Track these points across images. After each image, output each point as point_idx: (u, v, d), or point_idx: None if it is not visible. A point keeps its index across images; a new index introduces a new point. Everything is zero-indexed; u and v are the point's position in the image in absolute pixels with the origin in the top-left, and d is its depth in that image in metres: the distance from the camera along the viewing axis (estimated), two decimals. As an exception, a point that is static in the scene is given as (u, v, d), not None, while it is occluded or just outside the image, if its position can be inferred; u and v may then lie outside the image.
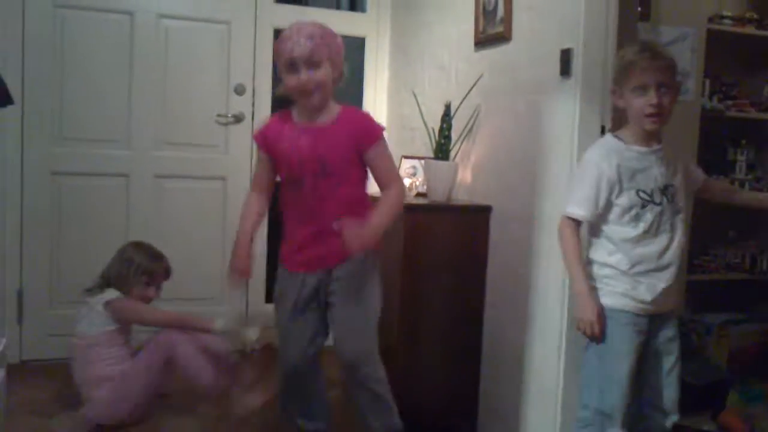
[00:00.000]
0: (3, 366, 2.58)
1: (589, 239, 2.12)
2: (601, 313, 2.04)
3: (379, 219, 2.09)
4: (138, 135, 3.49)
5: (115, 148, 3.47)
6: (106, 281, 2.89)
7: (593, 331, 2.03)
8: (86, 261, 3.42)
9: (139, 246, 2.99)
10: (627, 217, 2.04)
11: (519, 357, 2.60)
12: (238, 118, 3.64)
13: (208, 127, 3.60)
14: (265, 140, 2.24)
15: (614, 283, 2.06)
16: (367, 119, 2.21)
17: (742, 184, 3.66)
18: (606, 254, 2.08)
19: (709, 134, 3.44)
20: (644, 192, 2.04)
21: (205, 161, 3.62)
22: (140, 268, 2.91)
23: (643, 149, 2.07)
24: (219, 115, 3.61)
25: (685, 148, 3.43)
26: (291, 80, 2.08)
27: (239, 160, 3.67)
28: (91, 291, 2.87)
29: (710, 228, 3.54)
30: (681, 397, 2.26)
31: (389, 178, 2.19)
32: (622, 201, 2.04)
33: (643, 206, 2.04)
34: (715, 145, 3.66)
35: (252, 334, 2.81)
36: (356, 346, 2.21)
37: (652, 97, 1.99)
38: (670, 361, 2.14)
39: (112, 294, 2.83)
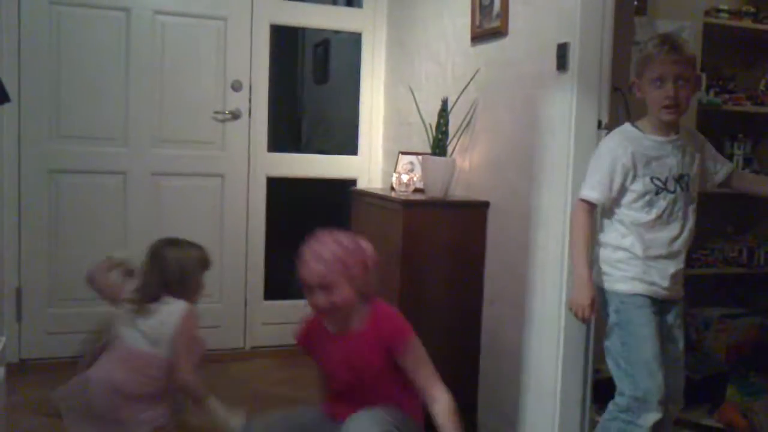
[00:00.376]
0: (2, 364, 2.57)
1: (601, 221, 2.16)
2: (595, 301, 2.08)
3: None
4: (135, 132, 3.48)
5: (113, 146, 3.46)
6: (160, 289, 2.47)
7: (584, 315, 2.07)
8: (84, 259, 3.41)
9: (174, 243, 2.61)
10: (640, 203, 2.08)
11: (518, 352, 2.61)
12: (235, 115, 3.63)
13: (205, 124, 3.60)
14: (304, 346, 2.14)
15: (626, 267, 2.10)
16: (395, 319, 2.03)
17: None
18: (619, 237, 2.11)
19: (706, 128, 3.42)
20: (658, 179, 2.08)
21: (202, 158, 3.61)
22: (201, 262, 2.59)
23: (660, 138, 2.10)
24: (216, 112, 3.60)
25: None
26: (309, 300, 1.97)
27: (237, 157, 3.67)
28: (142, 304, 2.46)
29: (708, 222, 3.54)
30: None
31: (432, 385, 1.99)
32: (637, 187, 2.08)
33: (657, 193, 2.08)
34: (712, 139, 3.65)
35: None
36: None
37: (669, 90, 2.02)
38: (676, 348, 2.17)
39: (180, 304, 2.45)
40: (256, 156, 3.72)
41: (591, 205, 2.12)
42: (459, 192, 2.97)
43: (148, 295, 2.46)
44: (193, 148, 3.60)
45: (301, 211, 4.10)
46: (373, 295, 2.02)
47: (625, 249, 2.10)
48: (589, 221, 2.12)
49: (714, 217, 3.52)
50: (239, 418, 2.37)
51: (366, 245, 2.04)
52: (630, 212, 2.10)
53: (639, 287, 2.08)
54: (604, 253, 2.15)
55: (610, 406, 2.13)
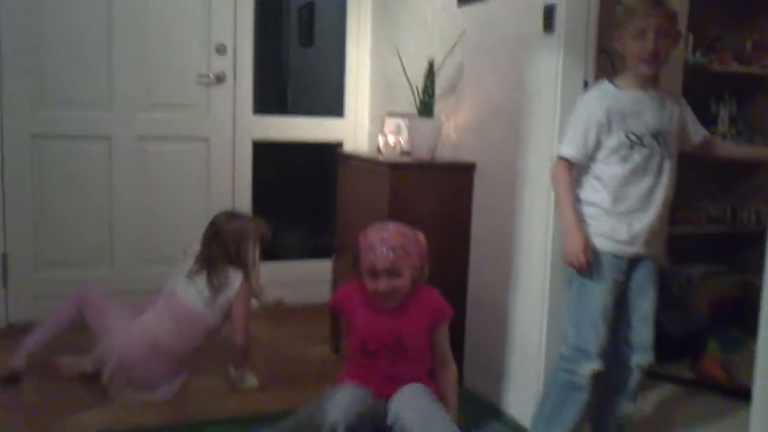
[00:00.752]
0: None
1: (579, 178, 2.18)
2: (588, 245, 2.09)
3: (454, 401, 2.22)
4: (119, 97, 3.45)
5: (97, 111, 3.43)
6: (219, 259, 2.74)
7: (580, 261, 2.08)
8: (70, 223, 3.43)
9: (233, 216, 2.86)
10: (615, 157, 2.10)
11: (503, 312, 2.64)
12: (219, 78, 3.60)
13: (189, 88, 3.57)
14: (342, 309, 2.27)
15: (596, 223, 2.12)
16: (439, 300, 2.24)
17: (724, 138, 3.69)
18: (592, 192, 2.14)
19: (692, 88, 3.44)
20: (634, 134, 2.09)
21: (187, 122, 3.59)
22: (258, 235, 2.84)
23: (638, 93, 2.11)
24: (200, 76, 3.57)
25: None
26: (370, 284, 2.13)
27: (222, 120, 3.65)
28: (202, 268, 2.74)
29: (692, 181, 3.57)
30: (662, 346, 2.35)
31: (448, 357, 2.26)
32: (611, 142, 2.09)
33: (631, 147, 2.09)
34: (698, 99, 3.67)
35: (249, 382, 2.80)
36: None
37: (649, 43, 2.03)
38: (647, 303, 2.23)
39: (238, 273, 2.74)
40: (242, 119, 3.70)
41: (569, 163, 2.14)
42: (446, 154, 2.98)
43: (208, 262, 2.74)
44: (177, 111, 3.57)
45: (288, 174, 4.11)
46: (422, 281, 2.21)
47: (596, 205, 2.13)
48: (569, 177, 2.14)
49: (698, 176, 3.55)
50: (253, 381, 2.77)
51: (421, 236, 2.23)
52: (605, 167, 2.11)
53: (605, 245, 2.11)
54: (577, 208, 2.16)
55: (558, 358, 2.23)
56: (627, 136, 2.09)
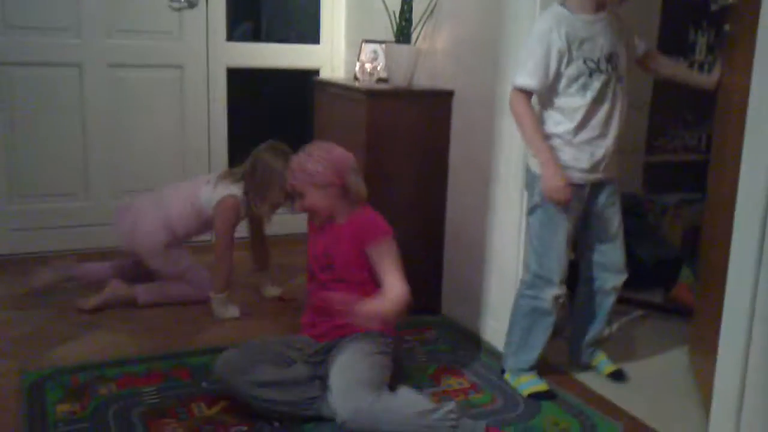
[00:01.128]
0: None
1: (540, 111, 2.16)
2: (566, 178, 2.09)
3: (383, 304, 2.07)
4: (88, 22, 3.34)
5: (66, 37, 3.33)
6: (250, 184, 2.81)
7: (562, 196, 2.08)
8: (44, 154, 3.37)
9: (275, 150, 2.81)
10: (575, 87, 2.08)
11: (480, 239, 2.66)
12: (191, 3, 3.49)
13: (160, 14, 3.47)
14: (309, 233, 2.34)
15: (558, 154, 2.12)
16: (372, 220, 2.20)
17: (701, 66, 3.68)
18: (553, 125, 2.13)
19: (670, 15, 3.42)
20: (591, 60, 2.08)
21: (159, 49, 3.51)
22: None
23: (590, 17, 2.09)
24: (171, 0, 3.47)
25: (646, 29, 3.42)
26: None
27: (195, 47, 3.57)
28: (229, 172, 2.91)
29: (667, 110, 3.58)
30: (636, 274, 2.41)
31: (390, 280, 2.12)
32: (571, 71, 2.07)
33: (590, 75, 2.08)
34: (675, 26, 3.65)
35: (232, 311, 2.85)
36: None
37: None
38: (613, 225, 2.28)
39: (234, 190, 2.82)
40: (215, 46, 3.62)
41: (528, 93, 2.10)
42: (423, 81, 2.95)
43: (234, 176, 2.85)
44: (149, 38, 3.48)
45: (264, 102, 4.05)
46: (360, 200, 2.21)
47: (558, 136, 2.12)
48: (530, 108, 2.11)
49: (673, 104, 3.56)
50: (234, 311, 2.83)
51: (341, 154, 2.20)
52: (566, 98, 2.10)
53: (567, 174, 2.11)
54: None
55: (519, 284, 2.29)
56: (585, 63, 2.07)
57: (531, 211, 2.22)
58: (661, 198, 3.63)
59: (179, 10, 3.49)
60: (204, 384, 2.25)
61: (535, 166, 2.16)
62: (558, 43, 2.05)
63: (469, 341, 2.66)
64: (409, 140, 2.77)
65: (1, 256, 3.33)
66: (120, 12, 3.39)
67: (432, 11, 2.87)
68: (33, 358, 2.39)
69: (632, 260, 2.43)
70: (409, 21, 2.82)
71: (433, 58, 2.91)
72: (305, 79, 3.67)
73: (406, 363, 2.41)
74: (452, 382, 2.33)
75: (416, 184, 2.82)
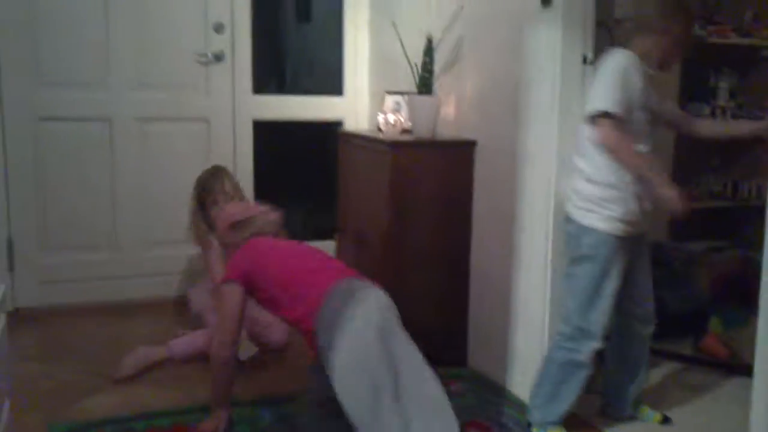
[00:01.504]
0: (3, 312, 2.59)
1: (592, 155, 2.12)
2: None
3: None
4: (116, 76, 3.42)
5: (95, 91, 3.40)
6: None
7: (681, 205, 2.03)
8: (74, 207, 3.43)
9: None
10: (639, 133, 2.11)
11: (506, 289, 2.65)
12: (218, 57, 3.58)
13: (188, 68, 3.55)
14: None
15: (614, 207, 2.11)
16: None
17: (724, 111, 3.67)
18: (611, 174, 2.10)
19: (691, 61, 3.42)
20: (649, 110, 2.13)
21: (186, 103, 3.58)
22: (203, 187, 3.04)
23: (651, 72, 2.16)
24: (199, 55, 3.55)
25: (667, 75, 3.43)
26: None
27: (221, 100, 3.64)
28: None
29: (693, 156, 3.56)
30: (664, 324, 2.42)
31: None
32: (637, 114, 2.11)
33: (647, 123, 2.13)
34: (697, 71, 3.65)
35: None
36: None
37: (682, 53, 2.20)
38: (648, 279, 2.30)
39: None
40: (241, 99, 3.68)
41: (617, 120, 2.03)
42: (446, 131, 2.97)
43: None
44: (176, 92, 3.55)
45: (289, 154, 4.09)
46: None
47: (614, 186, 2.10)
48: (624, 134, 2.05)
49: (699, 150, 3.54)
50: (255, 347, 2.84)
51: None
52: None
53: (620, 229, 2.11)
54: (589, 189, 2.13)
55: (556, 336, 2.25)
56: (646, 111, 2.11)
57: (576, 262, 2.19)
58: (687, 246, 3.58)
59: (206, 64, 3.57)
60: (229, 437, 2.24)
61: (581, 216, 2.15)
62: (635, 82, 2.08)
63: (496, 394, 2.62)
64: (432, 190, 2.78)
65: (29, 308, 3.36)
66: (147, 66, 3.48)
67: (454, 62, 2.90)
68: (59, 411, 2.39)
69: (660, 310, 2.40)
70: (430, 72, 2.86)
71: (456, 109, 2.94)
72: (329, 129, 3.72)
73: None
74: (479, 436, 2.30)
75: (440, 234, 2.82)
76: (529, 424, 2.31)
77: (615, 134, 2.04)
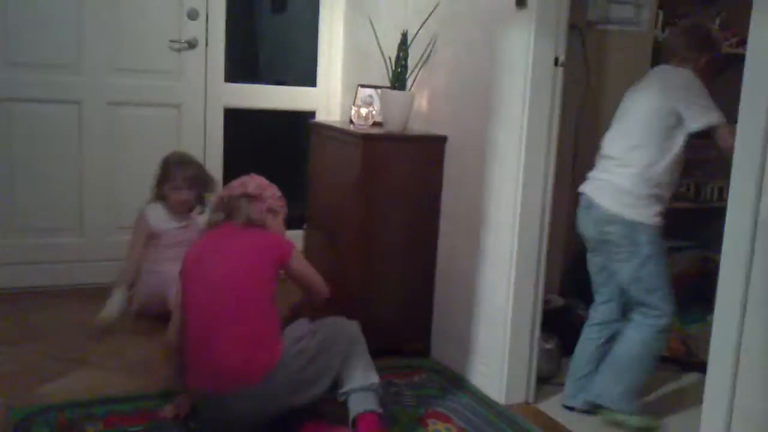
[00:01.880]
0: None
1: (660, 162, 2.31)
2: None
3: None
4: (89, 60, 3.40)
5: (66, 74, 3.37)
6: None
7: None
8: (39, 189, 3.39)
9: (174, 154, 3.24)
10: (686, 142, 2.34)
11: (471, 283, 2.69)
12: (191, 44, 3.56)
13: (161, 54, 3.52)
14: None
15: (660, 202, 2.34)
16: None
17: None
18: (668, 174, 2.33)
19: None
20: None
21: (159, 88, 3.56)
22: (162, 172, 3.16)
23: None
24: (172, 41, 3.53)
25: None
26: None
27: (193, 87, 3.62)
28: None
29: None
30: None
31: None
32: None
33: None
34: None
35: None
36: None
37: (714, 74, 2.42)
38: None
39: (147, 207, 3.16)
40: (213, 86, 3.67)
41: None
42: (417, 126, 3.00)
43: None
44: (149, 77, 3.53)
45: (260, 143, 4.09)
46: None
47: (669, 185, 2.34)
48: None
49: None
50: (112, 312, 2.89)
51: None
52: (681, 152, 2.32)
53: (661, 221, 2.34)
54: (643, 188, 2.30)
55: (646, 329, 2.38)
56: None
57: (644, 263, 2.33)
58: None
59: (179, 50, 3.55)
60: (192, 424, 2.24)
61: (635, 214, 2.30)
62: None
63: (457, 385, 2.67)
64: (402, 183, 2.81)
65: (-8, 290, 3.33)
66: (120, 51, 3.45)
67: (428, 58, 2.93)
68: (20, 395, 2.38)
69: (620, 307, 2.47)
70: (404, 67, 2.88)
71: (428, 104, 2.96)
72: (301, 120, 3.72)
73: (394, 406, 2.41)
74: (440, 427, 2.33)
75: (408, 227, 2.85)
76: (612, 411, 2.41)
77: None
